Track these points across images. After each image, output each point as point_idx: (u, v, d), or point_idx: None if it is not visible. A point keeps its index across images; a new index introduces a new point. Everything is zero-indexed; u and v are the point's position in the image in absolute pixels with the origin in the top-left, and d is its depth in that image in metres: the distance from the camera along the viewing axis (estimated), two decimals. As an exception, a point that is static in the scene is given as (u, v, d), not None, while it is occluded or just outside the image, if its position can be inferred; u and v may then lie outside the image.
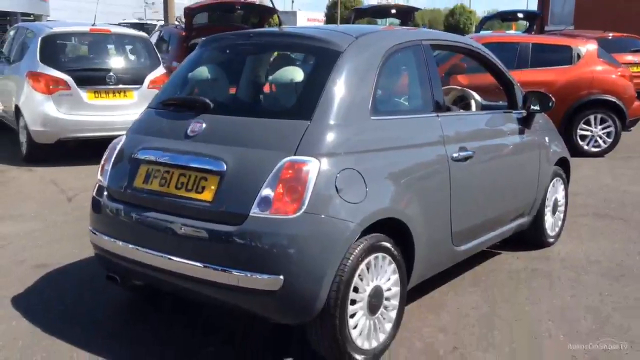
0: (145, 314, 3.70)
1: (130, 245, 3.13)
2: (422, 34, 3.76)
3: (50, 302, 3.81)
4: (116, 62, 8.09)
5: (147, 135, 3.33)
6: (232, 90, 3.58)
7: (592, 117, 8.62)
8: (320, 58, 3.13)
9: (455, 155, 3.52)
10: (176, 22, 13.59)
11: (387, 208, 3.03)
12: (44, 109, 7.52)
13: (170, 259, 2.95)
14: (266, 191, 2.77)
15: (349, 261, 2.80)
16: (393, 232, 3.07)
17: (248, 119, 3.09)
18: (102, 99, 7.78)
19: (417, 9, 12.02)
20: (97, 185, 3.48)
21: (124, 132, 3.55)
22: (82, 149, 8.37)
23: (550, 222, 4.79)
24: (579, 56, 8.56)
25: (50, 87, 7.51)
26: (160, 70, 8.26)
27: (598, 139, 8.70)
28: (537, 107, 4.26)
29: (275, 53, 3.56)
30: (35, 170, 7.50)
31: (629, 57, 11.06)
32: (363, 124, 3.06)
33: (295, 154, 2.81)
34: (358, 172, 2.91)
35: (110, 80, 7.77)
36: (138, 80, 7.99)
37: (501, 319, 3.60)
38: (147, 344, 3.29)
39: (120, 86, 7.85)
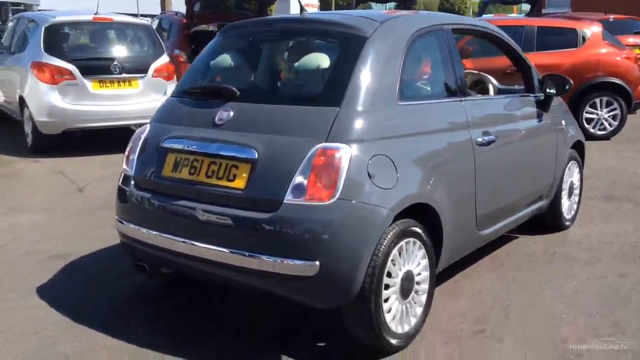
0: (163, 301, 3.71)
1: (161, 234, 3.13)
2: (444, 18, 3.75)
3: (73, 291, 3.81)
4: (120, 51, 8.03)
5: (172, 124, 3.31)
6: (257, 78, 3.56)
7: (597, 100, 8.63)
8: (347, 44, 3.12)
9: (479, 139, 3.52)
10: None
11: (418, 193, 3.04)
12: (50, 99, 7.47)
13: (202, 246, 2.95)
14: (299, 178, 2.76)
15: (383, 246, 2.81)
16: (422, 217, 3.08)
17: (277, 106, 3.08)
18: (107, 88, 7.73)
19: None
20: (122, 174, 3.47)
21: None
22: (87, 139, 8.34)
23: (566, 205, 4.81)
24: (584, 39, 8.55)
25: (55, 77, 7.46)
26: (165, 59, 8.21)
27: (604, 121, 8.72)
28: (554, 90, 4.26)
29: (299, 39, 3.53)
30: (42, 161, 7.46)
31: (631, 40, 11.04)
32: (391, 109, 3.06)
33: (327, 141, 2.81)
34: (389, 157, 2.91)
35: (115, 69, 7.71)
36: (142, 69, 7.94)
37: (520, 304, 3.61)
38: (166, 332, 3.30)
39: (125, 75, 7.80)
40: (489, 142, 3.59)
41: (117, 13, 8.98)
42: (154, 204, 3.20)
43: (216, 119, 3.12)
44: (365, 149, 2.83)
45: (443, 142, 3.31)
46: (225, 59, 3.52)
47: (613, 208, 5.52)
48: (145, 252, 3.32)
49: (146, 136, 3.40)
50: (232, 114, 3.09)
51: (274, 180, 2.83)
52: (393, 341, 2.96)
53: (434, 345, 3.14)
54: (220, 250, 2.90)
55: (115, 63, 7.73)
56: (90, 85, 7.60)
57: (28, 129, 7.87)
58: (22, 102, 7.88)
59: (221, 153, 2.99)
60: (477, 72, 4.76)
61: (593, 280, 3.95)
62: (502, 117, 3.91)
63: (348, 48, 3.10)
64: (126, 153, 3.47)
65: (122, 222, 3.40)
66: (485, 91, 4.42)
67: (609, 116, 8.72)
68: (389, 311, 2.93)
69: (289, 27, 3.53)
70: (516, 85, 4.78)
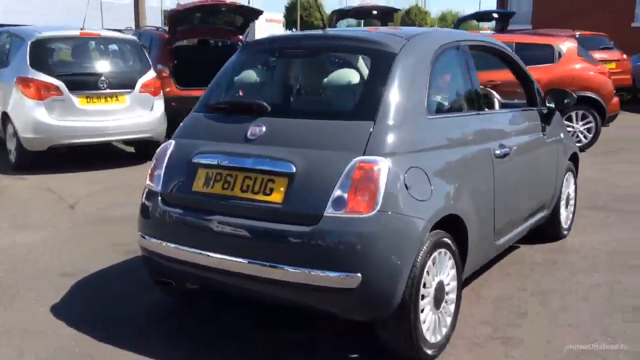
0: (183, 317, 3.71)
1: (191, 249, 3.14)
2: (461, 35, 3.88)
3: (90, 308, 3.78)
4: (107, 66, 7.96)
5: (201, 140, 3.34)
6: (286, 94, 3.62)
7: (573, 114, 8.93)
8: (376, 60, 3.21)
9: (497, 152, 3.64)
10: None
11: (450, 205, 3.13)
12: (35, 115, 7.35)
13: (237, 260, 2.98)
14: (339, 191, 2.82)
15: (420, 257, 2.88)
16: (450, 228, 3.17)
17: (310, 121, 3.14)
18: (94, 104, 7.65)
19: (396, 10, 12.20)
20: (146, 190, 3.47)
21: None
22: (69, 155, 8.22)
23: (564, 215, 4.98)
24: (560, 54, 8.86)
25: (42, 92, 7.35)
26: (151, 74, 8.18)
27: (579, 134, 9.02)
28: (555, 104, 4.43)
29: (327, 55, 3.60)
30: (28, 178, 7.33)
31: (598, 55, 11.47)
32: (421, 123, 3.15)
33: (364, 154, 2.88)
34: (422, 170, 3.00)
35: (102, 84, 7.64)
36: (129, 84, 7.89)
37: (533, 311, 3.73)
38: (187, 347, 3.31)
39: (112, 90, 7.73)
40: (505, 155, 3.72)
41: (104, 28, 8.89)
42: (184, 220, 3.22)
43: (248, 134, 3.16)
44: (400, 161, 2.91)
45: (468, 155, 3.42)
46: (251, 75, 3.56)
47: (602, 217, 5.73)
48: (172, 268, 3.32)
49: (172, 152, 3.41)
50: (264, 129, 3.14)
51: (313, 193, 2.88)
52: (429, 351, 3.03)
53: (459, 353, 3.22)
54: (258, 264, 2.93)
55: (102, 78, 7.66)
56: (77, 100, 7.51)
57: (11, 145, 7.73)
58: (5, 118, 7.74)
59: (257, 167, 3.03)
60: (482, 86, 4.91)
61: (596, 288, 4.09)
62: (514, 130, 4.05)
63: (378, 64, 3.18)
64: (151, 169, 3.48)
65: (144, 238, 3.40)
66: (491, 105, 4.56)
67: (584, 129, 9.02)
68: (424, 321, 3.00)
69: (317, 44, 3.59)
70: (516, 100, 4.94)
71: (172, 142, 3.48)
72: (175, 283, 3.43)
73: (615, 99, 9.15)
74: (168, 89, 9.10)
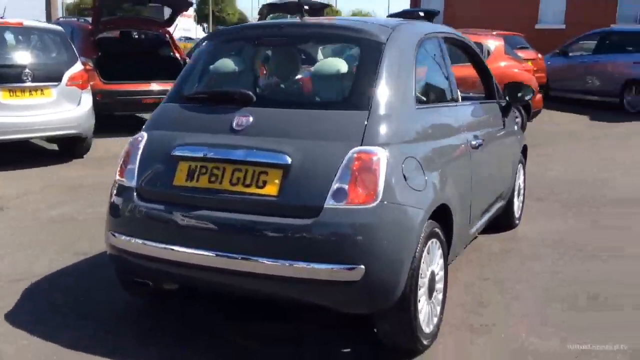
0: (153, 317, 3.52)
1: (174, 246, 2.96)
2: (437, 27, 3.91)
3: (48, 314, 3.50)
4: (31, 57, 7.44)
5: (179, 131, 3.15)
6: (270, 83, 3.48)
7: None
8: (365, 49, 3.15)
9: (473, 142, 3.69)
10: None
11: (441, 195, 3.13)
12: (-47, 111, 6.76)
13: (229, 256, 2.84)
14: (339, 182, 2.75)
15: (419, 247, 2.86)
16: (439, 218, 3.17)
17: (302, 111, 3.05)
18: (17, 98, 7.13)
19: (328, 5, 12.19)
20: (116, 186, 3.24)
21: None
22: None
23: (517, 205, 5.14)
24: (488, 52, 9.15)
25: (-39, 86, 6.77)
26: (79, 66, 7.73)
27: None
28: (513, 98, 4.55)
29: (311, 44, 3.50)
30: (-57, 179, 6.74)
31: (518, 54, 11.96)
32: (411, 113, 3.13)
33: (362, 144, 2.81)
34: (417, 160, 2.97)
35: (27, 77, 7.13)
36: (56, 77, 7.42)
37: (497, 299, 3.81)
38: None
39: (37, 84, 7.24)
40: (479, 146, 3.77)
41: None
42: (165, 216, 3.03)
43: (234, 125, 3.02)
44: (397, 151, 2.88)
45: (450, 145, 3.44)
46: (227, 64, 3.41)
47: (544, 207, 5.96)
48: (149, 268, 3.13)
49: (145, 145, 3.21)
50: (251, 119, 3.00)
51: (312, 185, 2.78)
52: (425, 342, 3.02)
53: (445, 338, 3.23)
54: (253, 260, 2.80)
55: (26, 70, 7.14)
56: (-1, 94, 6.98)
57: None
58: None
59: (249, 159, 2.89)
60: None
61: (552, 274, 4.23)
62: (483, 122, 4.12)
63: (367, 53, 3.13)
64: (121, 164, 3.26)
65: (115, 236, 3.17)
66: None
67: None
68: (420, 312, 2.97)
69: (299, 32, 3.48)
70: (471, 93, 5.03)
71: (144, 134, 3.27)
72: (152, 283, 3.23)
73: (539, 96, 9.56)
74: (92, 83, 8.65)
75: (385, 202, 2.74)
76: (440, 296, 3.23)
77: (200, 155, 3.01)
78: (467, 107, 4.01)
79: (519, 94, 4.60)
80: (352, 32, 3.28)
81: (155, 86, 9.47)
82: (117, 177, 3.26)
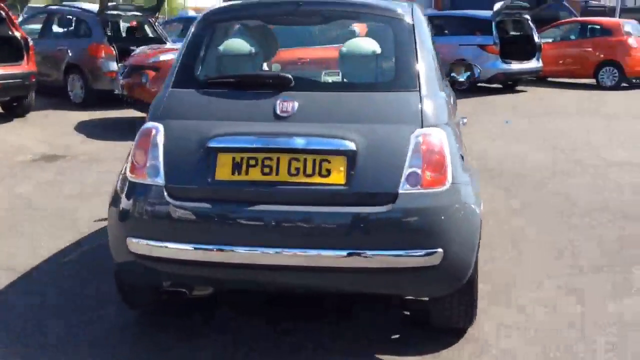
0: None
1: (225, 247, 2.67)
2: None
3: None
4: None
5: (208, 120, 2.82)
6: (297, 64, 3.22)
7: None
8: (397, 29, 3.07)
9: (464, 120, 3.81)
10: None
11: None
12: None
13: (294, 252, 2.64)
14: (411, 166, 2.68)
15: (481, 224, 2.89)
16: None
17: (353, 94, 2.91)
18: None
19: None
20: (131, 185, 2.82)
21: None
22: None
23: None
24: (354, 33, 9.38)
25: None
26: None
27: None
28: (464, 77, 4.74)
29: (335, 22, 3.30)
30: None
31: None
32: (444, 91, 3.13)
33: (422, 126, 2.77)
34: (459, 138, 3.00)
35: None
36: None
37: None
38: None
39: None
40: (464, 124, 3.91)
41: None
42: (209, 215, 2.72)
43: (278, 111, 2.78)
44: (450, 131, 2.88)
45: (460, 124, 3.51)
46: (241, 45, 3.11)
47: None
48: (184, 274, 2.81)
49: (166, 137, 2.82)
50: (296, 104, 2.79)
51: (382, 171, 2.68)
52: (474, 320, 3.07)
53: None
54: (319, 254, 2.64)
55: None
56: None
57: None
58: None
59: (310, 148, 2.68)
60: None
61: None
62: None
63: (400, 33, 3.06)
64: (134, 159, 2.84)
65: (138, 242, 2.77)
66: None
67: None
68: None
69: (322, 11, 3.25)
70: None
71: (158, 125, 2.86)
72: (186, 291, 2.90)
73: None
74: None
75: (454, 184, 2.73)
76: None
77: (247, 145, 2.73)
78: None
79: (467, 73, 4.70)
80: (381, 11, 3.19)
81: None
82: (130, 175, 2.83)
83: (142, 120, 3.04)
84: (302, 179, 2.68)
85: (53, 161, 6.98)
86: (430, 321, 3.07)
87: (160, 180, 2.76)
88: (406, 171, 2.67)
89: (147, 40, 11.61)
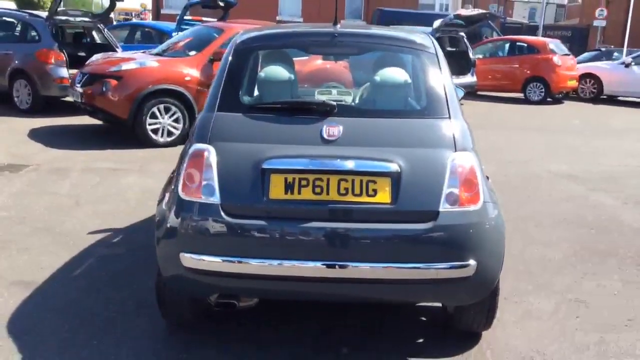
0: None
1: (278, 261, 2.88)
2: None
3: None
4: None
5: (259, 143, 3.01)
6: (333, 92, 3.43)
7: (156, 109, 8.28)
8: (424, 59, 3.38)
9: None
10: None
11: None
12: None
13: (343, 266, 2.87)
14: (450, 186, 2.96)
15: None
16: None
17: (395, 120, 3.18)
18: None
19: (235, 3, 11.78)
20: (187, 203, 2.96)
21: None
22: None
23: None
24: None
25: None
26: None
27: (169, 127, 8.40)
28: None
29: (367, 53, 3.53)
30: None
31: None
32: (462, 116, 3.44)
33: (456, 150, 3.07)
34: (479, 159, 3.32)
35: None
36: None
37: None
38: None
39: None
40: None
41: None
42: (265, 231, 2.90)
43: (324, 135, 3.01)
44: (475, 154, 3.19)
45: None
46: (280, 72, 3.30)
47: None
48: (235, 287, 3.01)
49: (219, 159, 2.98)
50: (342, 129, 3.03)
51: (424, 191, 2.95)
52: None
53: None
54: (367, 266, 2.88)
55: None
56: None
57: None
58: None
59: (359, 170, 2.92)
60: None
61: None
62: None
63: (427, 62, 3.37)
64: (185, 179, 2.98)
65: (192, 257, 2.92)
66: None
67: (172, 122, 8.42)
68: None
69: (357, 42, 3.49)
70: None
71: (209, 147, 3.02)
72: (235, 302, 3.09)
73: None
74: None
75: (485, 202, 3.04)
76: None
77: (299, 167, 2.94)
78: None
79: None
80: (408, 44, 3.48)
81: None
82: (184, 195, 2.97)
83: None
84: (351, 198, 2.91)
85: (17, 171, 6.83)
86: (450, 325, 3.38)
87: (216, 199, 2.93)
88: (445, 191, 2.96)
89: (96, 46, 11.45)
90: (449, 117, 3.18)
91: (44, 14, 11.02)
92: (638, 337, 3.52)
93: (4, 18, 11.39)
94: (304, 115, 3.12)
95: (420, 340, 3.42)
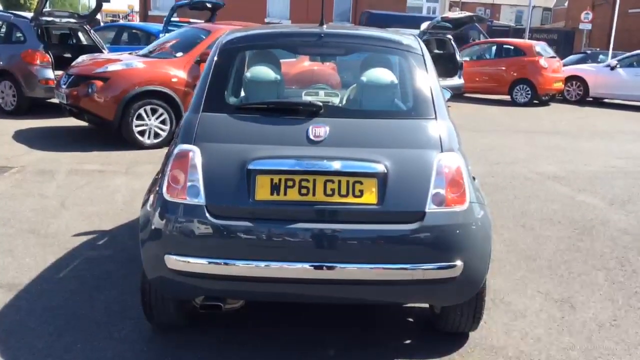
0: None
1: (264, 263, 2.87)
2: None
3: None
4: None
5: (244, 144, 2.99)
6: (319, 92, 3.42)
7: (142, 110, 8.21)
8: (411, 60, 3.37)
9: None
10: None
11: None
12: None
13: (330, 267, 2.86)
14: (436, 187, 2.96)
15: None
16: None
17: (381, 121, 3.16)
18: None
19: (222, 5, 11.76)
20: (171, 204, 2.93)
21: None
22: None
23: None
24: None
25: None
26: None
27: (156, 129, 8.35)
28: None
29: (352, 54, 3.52)
30: None
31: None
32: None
33: (442, 151, 3.07)
34: (467, 160, 3.33)
35: None
36: None
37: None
38: None
39: None
40: None
41: None
42: (251, 232, 2.88)
43: (311, 136, 3.00)
44: (462, 154, 3.19)
45: None
46: (267, 72, 3.28)
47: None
48: (221, 288, 2.97)
49: (204, 159, 2.96)
50: (328, 129, 3.02)
51: (411, 192, 2.95)
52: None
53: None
54: (354, 267, 2.87)
55: None
56: None
57: None
58: None
59: (345, 170, 2.92)
60: None
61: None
62: None
63: (414, 64, 3.36)
64: (170, 180, 2.96)
65: (177, 258, 2.90)
66: None
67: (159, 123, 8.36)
68: None
69: (344, 43, 3.48)
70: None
71: (194, 148, 3.00)
72: (221, 304, 3.06)
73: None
74: None
75: (472, 202, 3.04)
76: None
77: (285, 168, 2.92)
78: None
79: None
80: (394, 44, 3.48)
81: None
82: (168, 196, 2.95)
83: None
84: (337, 199, 2.91)
85: (2, 173, 6.76)
86: (437, 326, 3.38)
87: (201, 200, 2.91)
88: (432, 191, 2.96)
89: (82, 47, 11.37)
90: (435, 118, 3.18)
91: (29, 15, 10.93)
92: (623, 336, 3.54)
93: (-13, 18, 11.31)
94: (290, 116, 3.11)
95: (408, 342, 3.42)
